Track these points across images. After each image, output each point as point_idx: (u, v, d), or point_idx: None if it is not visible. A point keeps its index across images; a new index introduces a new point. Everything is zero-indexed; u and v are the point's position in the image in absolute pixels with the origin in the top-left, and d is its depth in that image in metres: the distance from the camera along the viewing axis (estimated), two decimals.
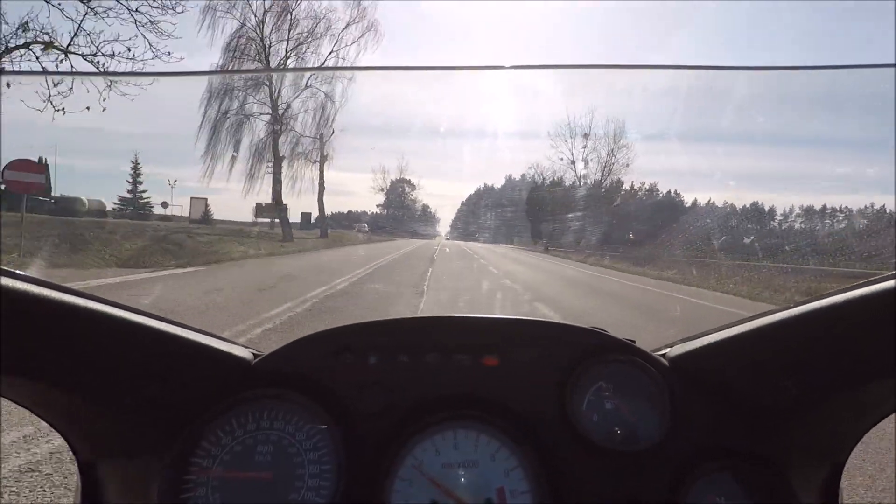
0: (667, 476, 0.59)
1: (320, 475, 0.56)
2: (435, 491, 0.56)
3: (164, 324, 0.57)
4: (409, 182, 63.77)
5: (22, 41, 11.92)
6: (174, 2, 13.13)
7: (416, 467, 0.57)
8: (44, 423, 0.56)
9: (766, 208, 49.28)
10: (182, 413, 0.57)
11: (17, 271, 0.46)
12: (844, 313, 0.51)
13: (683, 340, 0.68)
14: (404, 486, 0.56)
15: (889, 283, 0.48)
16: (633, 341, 0.68)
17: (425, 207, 70.63)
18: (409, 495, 0.55)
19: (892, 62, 0.56)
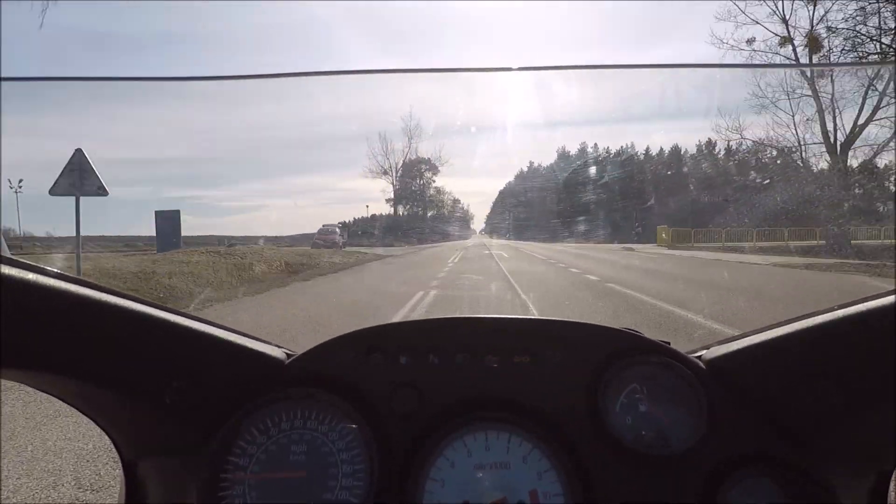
0: (702, 481, 0.57)
1: (353, 475, 0.57)
2: (467, 492, 0.56)
3: (199, 323, 0.58)
4: (427, 162, 42.59)
5: None
6: None
7: (447, 468, 0.57)
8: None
9: None
10: (218, 412, 0.58)
11: (55, 270, 0.48)
12: (893, 317, 0.49)
13: (720, 342, 0.67)
14: (436, 487, 0.56)
15: None
16: (668, 342, 0.66)
17: (456, 202, 53.15)
18: (441, 496, 0.56)
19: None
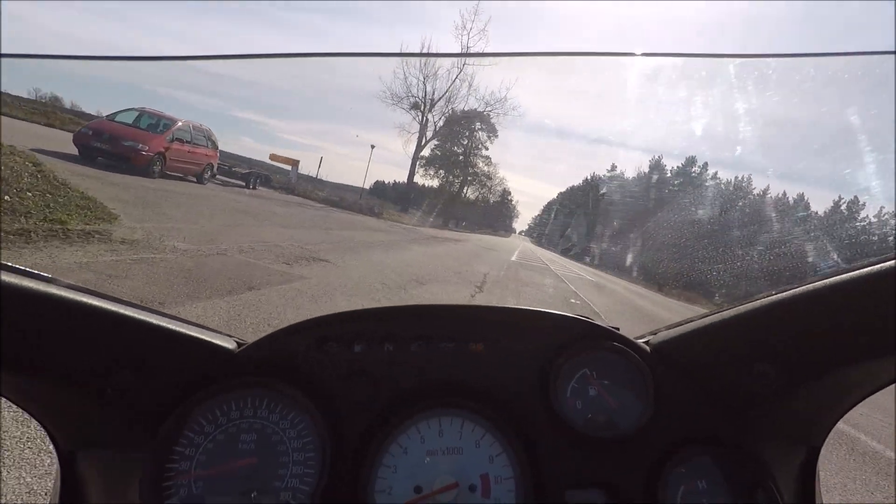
0: (648, 461, 0.59)
1: (304, 463, 0.57)
2: (419, 477, 0.56)
3: (143, 312, 0.56)
4: (482, 117, 26.64)
5: None
6: None
7: (400, 454, 0.58)
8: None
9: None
10: (165, 403, 0.57)
11: None
12: (824, 300, 0.51)
13: (668, 328, 0.68)
14: (388, 473, 0.57)
15: (869, 270, 0.48)
16: (618, 328, 0.67)
17: (506, 193, 44.11)
18: (393, 482, 0.56)
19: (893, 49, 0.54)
